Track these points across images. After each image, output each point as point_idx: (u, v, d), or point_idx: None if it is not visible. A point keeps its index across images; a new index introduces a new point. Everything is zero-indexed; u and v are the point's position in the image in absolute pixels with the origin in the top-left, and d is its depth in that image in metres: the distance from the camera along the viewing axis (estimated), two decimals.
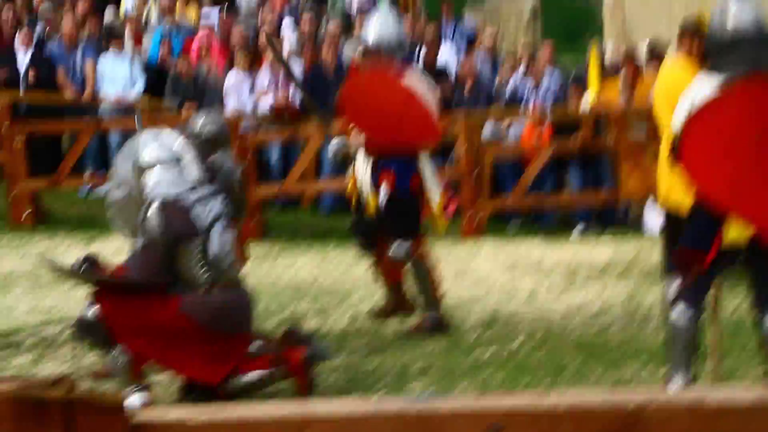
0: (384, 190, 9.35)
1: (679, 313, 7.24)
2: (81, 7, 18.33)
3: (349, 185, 9.91)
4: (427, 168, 9.66)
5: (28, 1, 19.25)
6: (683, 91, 10.61)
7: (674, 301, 7.27)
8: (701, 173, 6.97)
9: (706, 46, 7.82)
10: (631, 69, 14.73)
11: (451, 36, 19.42)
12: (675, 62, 11.42)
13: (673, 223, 10.93)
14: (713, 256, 7.04)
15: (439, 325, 9.45)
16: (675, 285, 7.29)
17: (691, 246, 7.20)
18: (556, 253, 12.82)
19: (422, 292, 9.58)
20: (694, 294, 7.24)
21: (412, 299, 9.71)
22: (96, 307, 7.35)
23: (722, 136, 6.90)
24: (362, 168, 9.53)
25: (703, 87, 7.13)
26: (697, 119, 6.90)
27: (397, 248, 9.36)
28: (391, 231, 9.43)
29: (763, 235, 6.89)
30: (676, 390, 7.09)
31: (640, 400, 3.11)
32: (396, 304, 9.78)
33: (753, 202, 6.95)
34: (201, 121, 8.01)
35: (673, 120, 7.31)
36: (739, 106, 6.96)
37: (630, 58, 15.29)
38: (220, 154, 7.98)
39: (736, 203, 6.94)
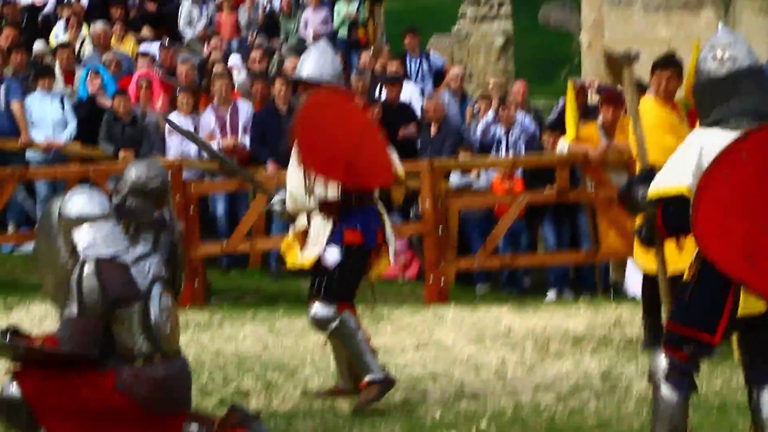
0: (336, 250, 9.33)
1: (667, 393, 7.14)
2: (5, 39, 18.37)
3: (286, 244, 9.86)
4: (387, 219, 9.74)
5: None
6: (655, 136, 10.65)
7: (661, 380, 7.17)
8: (716, 240, 6.87)
9: (696, 94, 7.47)
10: (610, 111, 14.51)
11: (416, 72, 19.54)
12: (646, 103, 11.39)
13: (652, 284, 10.94)
14: (720, 337, 7.03)
15: (385, 385, 9.42)
16: (663, 363, 7.16)
17: (692, 325, 7.11)
18: (528, 322, 12.75)
19: (354, 354, 9.51)
20: (685, 372, 7.17)
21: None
22: (17, 385, 7.31)
23: (740, 196, 6.85)
24: (320, 226, 9.48)
25: (709, 143, 6.98)
26: (711, 180, 6.81)
27: (320, 308, 9.37)
28: (322, 291, 9.40)
29: None
30: None
31: None
32: (352, 383, 9.72)
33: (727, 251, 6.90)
34: (138, 172, 7.99)
35: (663, 181, 7.12)
36: (756, 161, 6.85)
37: (609, 98, 15.06)
38: (159, 208, 7.98)
39: (754, 274, 6.85)
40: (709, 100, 7.23)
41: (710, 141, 7.00)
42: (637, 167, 7.80)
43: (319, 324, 9.46)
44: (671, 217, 7.08)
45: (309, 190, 9.51)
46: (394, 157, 9.76)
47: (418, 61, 19.98)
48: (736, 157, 6.81)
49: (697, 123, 7.49)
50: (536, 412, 9.35)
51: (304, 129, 9.41)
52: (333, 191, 9.39)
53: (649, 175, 7.41)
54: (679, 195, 6.96)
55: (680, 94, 11.73)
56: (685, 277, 7.22)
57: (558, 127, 15.56)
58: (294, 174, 9.60)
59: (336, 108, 9.63)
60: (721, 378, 10.17)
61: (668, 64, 11.38)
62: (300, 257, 9.58)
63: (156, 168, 8.11)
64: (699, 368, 7.22)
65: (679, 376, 7.13)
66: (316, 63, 9.77)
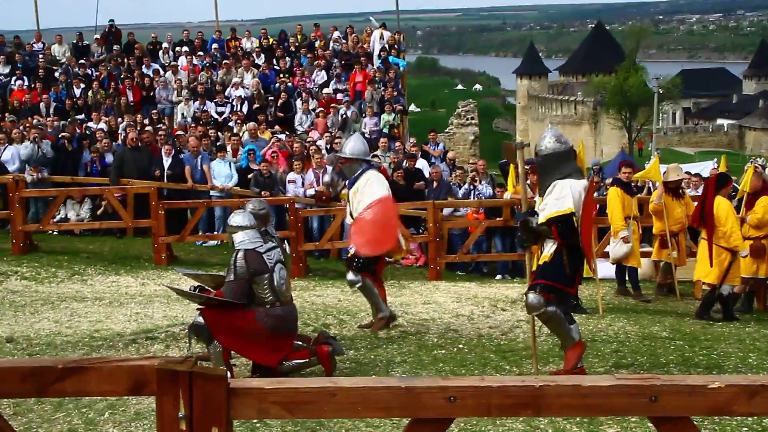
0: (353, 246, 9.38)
1: (551, 309, 7.28)
2: (200, 131, 18.53)
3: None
4: None
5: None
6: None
7: (546, 307, 7.27)
8: (586, 235, 7.14)
9: (544, 160, 7.34)
10: (535, 176, 14.30)
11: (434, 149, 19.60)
12: None
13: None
14: (576, 290, 7.63)
15: (391, 318, 9.49)
16: (537, 299, 7.28)
17: (561, 283, 7.27)
18: (485, 291, 12.60)
19: (373, 301, 9.52)
20: (565, 307, 7.51)
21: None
22: (202, 316, 7.37)
23: (590, 212, 7.22)
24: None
25: (572, 185, 7.13)
26: (584, 205, 7.08)
27: (351, 275, 9.47)
28: (352, 266, 9.46)
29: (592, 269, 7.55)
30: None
31: (543, 382, 3.15)
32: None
33: (591, 250, 7.39)
34: (255, 205, 7.99)
35: (556, 208, 7.13)
36: (590, 197, 7.20)
37: (534, 168, 14.98)
38: (266, 224, 7.93)
39: (590, 251, 7.30)
40: (555, 164, 7.25)
41: (571, 185, 7.17)
42: (523, 207, 7.58)
43: (351, 284, 9.56)
44: (563, 229, 7.09)
45: (350, 213, 9.52)
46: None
47: (435, 146, 19.97)
48: (589, 193, 7.21)
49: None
50: (490, 339, 9.28)
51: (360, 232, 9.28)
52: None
53: (532, 210, 7.45)
54: (569, 213, 7.06)
55: None
56: (543, 260, 7.34)
57: (503, 186, 15.52)
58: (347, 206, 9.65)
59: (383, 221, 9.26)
60: (591, 324, 10.09)
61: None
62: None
63: (263, 203, 8.09)
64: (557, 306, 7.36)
65: (549, 305, 7.27)
66: (350, 145, 9.60)
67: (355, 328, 9.70)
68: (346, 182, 9.71)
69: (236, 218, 7.58)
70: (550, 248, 7.28)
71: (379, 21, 26.81)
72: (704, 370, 8.01)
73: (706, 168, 20.29)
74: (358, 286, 9.43)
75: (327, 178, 10.18)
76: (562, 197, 7.09)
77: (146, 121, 20.23)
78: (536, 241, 7.47)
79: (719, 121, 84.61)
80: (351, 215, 9.49)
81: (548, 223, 7.15)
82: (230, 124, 20.25)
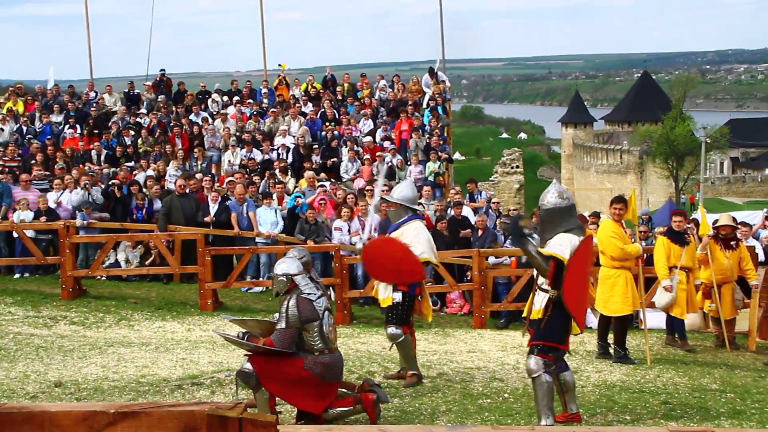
0: (399, 293, 9.17)
1: (546, 378, 7.41)
2: (241, 179, 18.70)
3: (374, 291, 9.83)
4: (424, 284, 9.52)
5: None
6: (612, 241, 10.65)
7: (541, 373, 7.41)
8: (570, 293, 7.24)
9: (546, 215, 7.59)
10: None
11: (477, 199, 19.63)
12: (606, 223, 11.39)
13: (604, 319, 11.15)
14: (567, 346, 7.69)
15: (420, 379, 9.26)
16: (537, 363, 7.44)
17: (556, 341, 7.49)
18: None
19: (406, 358, 9.35)
20: (550, 366, 7.48)
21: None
22: (249, 363, 7.38)
23: (580, 270, 7.32)
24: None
25: (573, 239, 7.34)
26: (571, 263, 7.24)
27: (394, 329, 9.23)
28: (393, 319, 9.25)
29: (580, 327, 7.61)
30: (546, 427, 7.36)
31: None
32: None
33: (582, 308, 7.61)
34: (296, 253, 8.03)
35: (560, 252, 7.32)
36: (582, 255, 7.35)
37: (581, 219, 15.01)
38: (308, 271, 7.94)
39: (578, 309, 7.41)
40: (558, 218, 7.51)
41: (571, 239, 7.39)
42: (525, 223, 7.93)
43: (393, 338, 9.31)
44: (557, 272, 7.32)
45: None
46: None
47: (476, 195, 19.99)
48: (579, 250, 7.33)
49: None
50: None
51: (369, 262, 9.43)
52: None
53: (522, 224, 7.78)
54: (562, 260, 7.29)
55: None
56: (537, 316, 7.54)
57: None
58: None
59: (387, 247, 9.29)
60: (602, 371, 9.95)
61: (620, 200, 11.25)
62: (381, 297, 9.43)
63: (303, 251, 8.09)
64: (555, 364, 7.60)
65: (548, 369, 7.47)
66: (398, 191, 9.58)
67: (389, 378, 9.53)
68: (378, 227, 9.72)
69: (282, 265, 7.57)
70: (541, 302, 7.50)
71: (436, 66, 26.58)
72: (757, 425, 7.83)
73: (755, 217, 19.97)
74: (400, 340, 9.27)
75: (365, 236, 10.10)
76: (562, 246, 7.36)
77: (195, 168, 20.55)
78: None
79: None
80: None
81: (549, 259, 7.38)
82: (275, 171, 20.44)
